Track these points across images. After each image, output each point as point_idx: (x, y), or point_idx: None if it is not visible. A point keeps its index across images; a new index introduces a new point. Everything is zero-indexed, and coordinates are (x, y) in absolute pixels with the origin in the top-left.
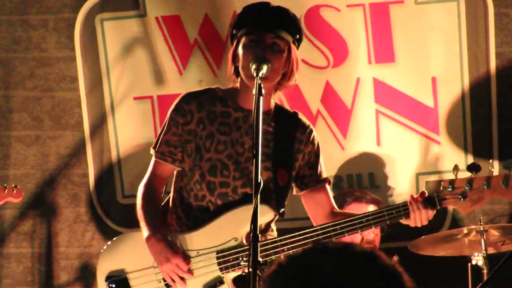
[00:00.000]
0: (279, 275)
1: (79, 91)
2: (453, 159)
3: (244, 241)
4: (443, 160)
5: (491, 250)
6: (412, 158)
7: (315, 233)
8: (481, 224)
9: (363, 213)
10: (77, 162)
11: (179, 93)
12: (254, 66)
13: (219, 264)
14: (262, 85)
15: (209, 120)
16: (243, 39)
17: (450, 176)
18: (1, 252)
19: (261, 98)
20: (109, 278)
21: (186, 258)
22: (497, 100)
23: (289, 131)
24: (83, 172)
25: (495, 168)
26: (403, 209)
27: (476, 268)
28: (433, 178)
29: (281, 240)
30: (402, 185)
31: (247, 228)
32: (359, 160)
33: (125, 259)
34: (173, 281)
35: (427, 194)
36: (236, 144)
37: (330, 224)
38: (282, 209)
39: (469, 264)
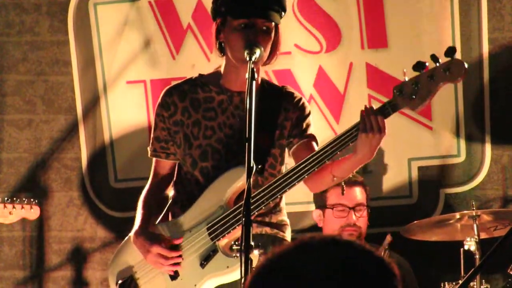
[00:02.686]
0: (268, 272)
1: (72, 75)
2: (445, 144)
3: (229, 206)
4: (435, 145)
5: (483, 235)
6: (404, 143)
7: (290, 175)
8: (473, 209)
9: (325, 144)
10: (69, 146)
11: (172, 78)
12: (247, 51)
13: (209, 234)
14: (254, 69)
15: (193, 108)
16: (233, 22)
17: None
18: None
19: (254, 82)
20: (118, 281)
21: (167, 242)
22: (490, 85)
23: (274, 102)
24: (75, 156)
25: (487, 153)
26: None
27: (469, 253)
28: (425, 163)
29: (261, 192)
30: (394, 170)
31: (229, 193)
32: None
33: (130, 259)
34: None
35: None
36: (224, 127)
37: (300, 163)
38: (259, 166)
39: (462, 249)
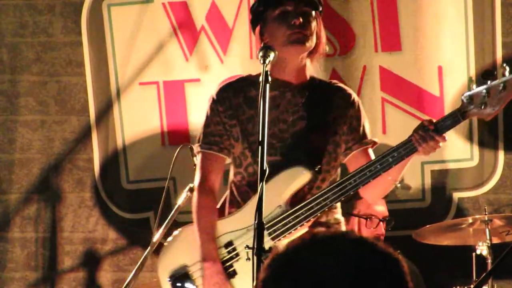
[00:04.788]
0: (277, 267)
1: (85, 76)
2: (458, 148)
3: (289, 206)
4: (448, 149)
5: (495, 240)
6: None
7: (341, 186)
8: (485, 214)
9: (382, 155)
10: (82, 147)
11: (184, 79)
12: (261, 54)
13: (269, 234)
14: (268, 72)
15: (247, 105)
16: (272, 13)
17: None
18: (5, 237)
19: (267, 85)
20: (172, 276)
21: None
22: None
23: (325, 98)
24: (88, 157)
25: (500, 157)
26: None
27: (481, 257)
28: (438, 167)
29: (312, 201)
30: (407, 173)
31: (288, 192)
32: None
33: (185, 254)
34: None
35: (435, 121)
36: (278, 122)
37: (356, 172)
38: (318, 166)
39: (474, 253)
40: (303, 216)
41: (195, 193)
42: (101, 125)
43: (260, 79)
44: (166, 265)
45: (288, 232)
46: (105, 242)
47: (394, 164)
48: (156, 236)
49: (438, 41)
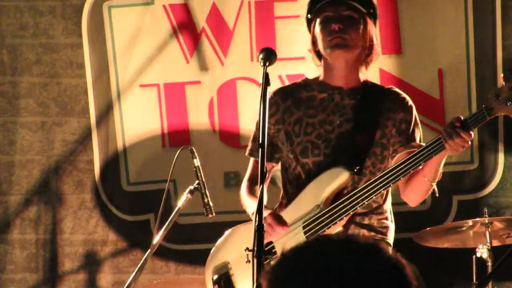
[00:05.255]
0: (283, 267)
1: (86, 77)
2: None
3: (328, 206)
4: None
5: (495, 243)
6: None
7: (375, 184)
8: (486, 217)
9: (410, 155)
10: (82, 148)
11: (185, 81)
12: (261, 56)
13: (305, 233)
14: (268, 75)
15: (296, 106)
16: (318, 19)
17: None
18: (5, 238)
19: (268, 87)
20: (213, 277)
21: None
22: None
23: (376, 101)
24: (88, 159)
25: (500, 160)
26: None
27: (481, 260)
28: None
29: (354, 195)
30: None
31: (326, 192)
32: None
33: (227, 255)
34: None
35: (462, 118)
36: (324, 124)
37: (386, 172)
38: (357, 167)
39: (474, 256)
40: (336, 215)
41: (242, 188)
42: (102, 127)
43: (260, 81)
44: (211, 266)
45: (322, 230)
46: (105, 244)
47: (423, 162)
48: (156, 238)
49: (439, 44)
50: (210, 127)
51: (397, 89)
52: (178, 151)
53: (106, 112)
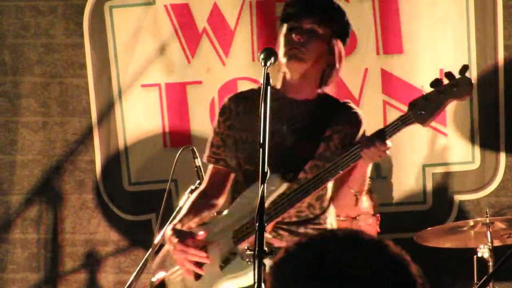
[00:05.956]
0: (287, 263)
1: (87, 77)
2: (460, 151)
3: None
4: (450, 152)
5: (497, 243)
6: (418, 150)
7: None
8: (487, 217)
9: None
10: (84, 148)
11: (187, 81)
12: (262, 56)
13: (233, 238)
14: (269, 75)
15: (246, 113)
16: (283, 28)
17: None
18: (6, 238)
19: (269, 88)
20: (151, 280)
21: (196, 242)
22: (505, 92)
23: (327, 115)
24: (89, 158)
25: (502, 160)
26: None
27: (482, 260)
28: (439, 169)
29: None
30: (408, 176)
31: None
32: None
33: (166, 259)
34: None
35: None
36: (271, 133)
37: (310, 179)
38: (291, 175)
39: (475, 256)
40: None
41: (195, 193)
42: (103, 126)
43: (261, 81)
44: (154, 268)
45: (248, 236)
46: (107, 243)
47: (341, 170)
48: (158, 238)
49: (440, 44)
50: (211, 127)
51: (351, 104)
52: (180, 151)
53: (107, 112)
